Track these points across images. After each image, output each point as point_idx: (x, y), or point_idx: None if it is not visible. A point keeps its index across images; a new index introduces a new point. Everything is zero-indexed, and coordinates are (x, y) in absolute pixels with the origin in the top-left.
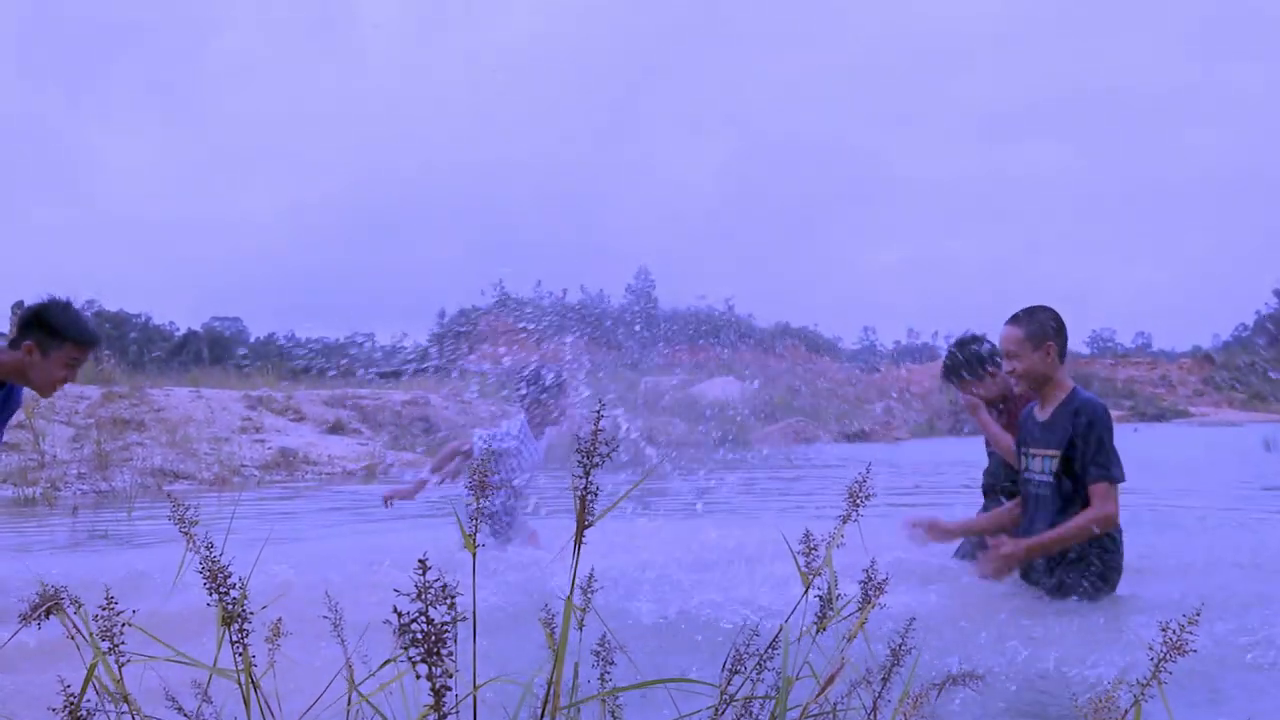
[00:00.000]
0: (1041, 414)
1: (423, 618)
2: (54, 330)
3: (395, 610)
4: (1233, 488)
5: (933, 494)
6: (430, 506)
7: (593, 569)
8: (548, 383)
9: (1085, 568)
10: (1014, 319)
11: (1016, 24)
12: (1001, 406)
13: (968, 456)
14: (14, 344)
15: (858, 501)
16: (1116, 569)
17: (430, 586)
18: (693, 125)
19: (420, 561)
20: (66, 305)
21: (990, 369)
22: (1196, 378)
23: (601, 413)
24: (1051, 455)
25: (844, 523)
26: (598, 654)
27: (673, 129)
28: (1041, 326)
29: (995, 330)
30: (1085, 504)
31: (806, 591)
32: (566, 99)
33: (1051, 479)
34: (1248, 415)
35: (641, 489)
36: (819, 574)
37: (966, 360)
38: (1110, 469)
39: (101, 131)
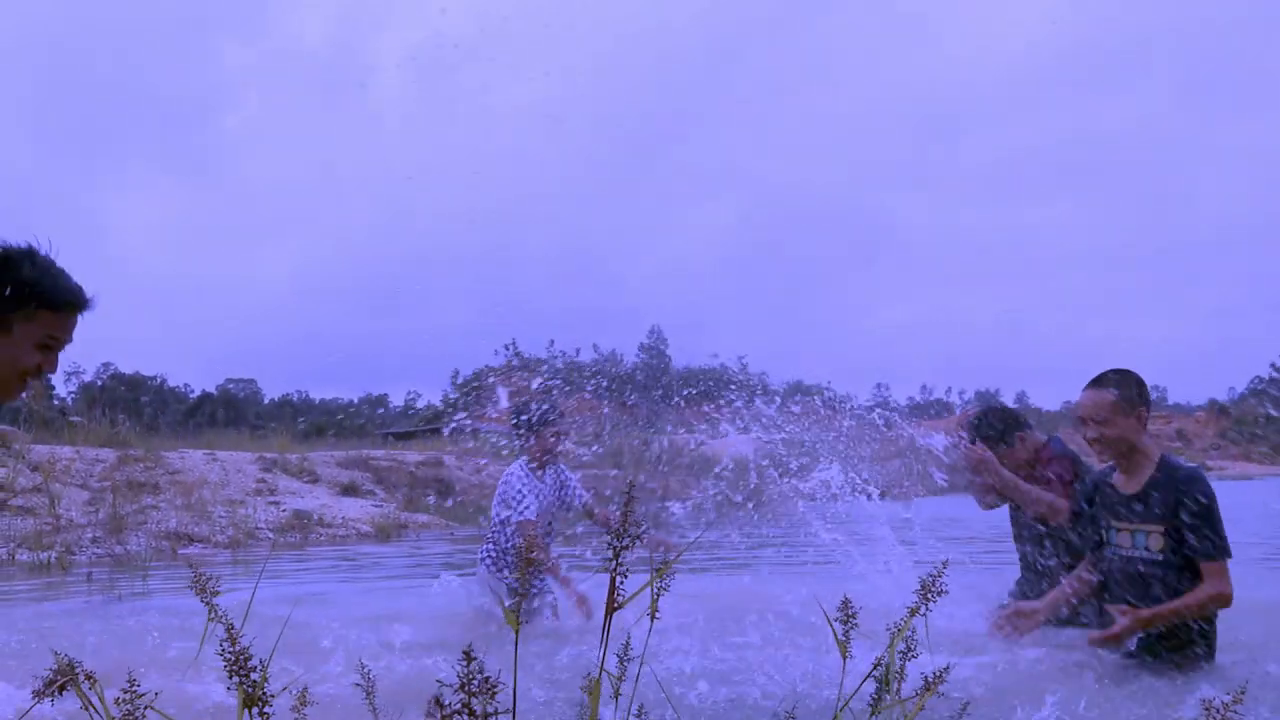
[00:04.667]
0: (1127, 484)
1: (466, 710)
2: (17, 291)
3: (438, 701)
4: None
5: (952, 550)
6: (442, 557)
7: (629, 637)
8: (535, 416)
9: (1188, 643)
10: (1100, 382)
11: (1025, 78)
12: (1027, 473)
13: (983, 515)
14: None
15: (929, 596)
16: (1212, 643)
17: (474, 677)
18: (704, 184)
19: (465, 653)
20: (31, 252)
21: (1020, 435)
22: (1212, 431)
23: (632, 493)
24: (1150, 531)
25: (911, 616)
26: None
27: (684, 188)
28: (1132, 391)
29: (1009, 384)
30: (1195, 580)
31: (845, 665)
32: (577, 159)
33: (1161, 556)
34: (1265, 469)
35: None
36: (879, 665)
37: (994, 433)
38: (1224, 546)
39: (116, 195)
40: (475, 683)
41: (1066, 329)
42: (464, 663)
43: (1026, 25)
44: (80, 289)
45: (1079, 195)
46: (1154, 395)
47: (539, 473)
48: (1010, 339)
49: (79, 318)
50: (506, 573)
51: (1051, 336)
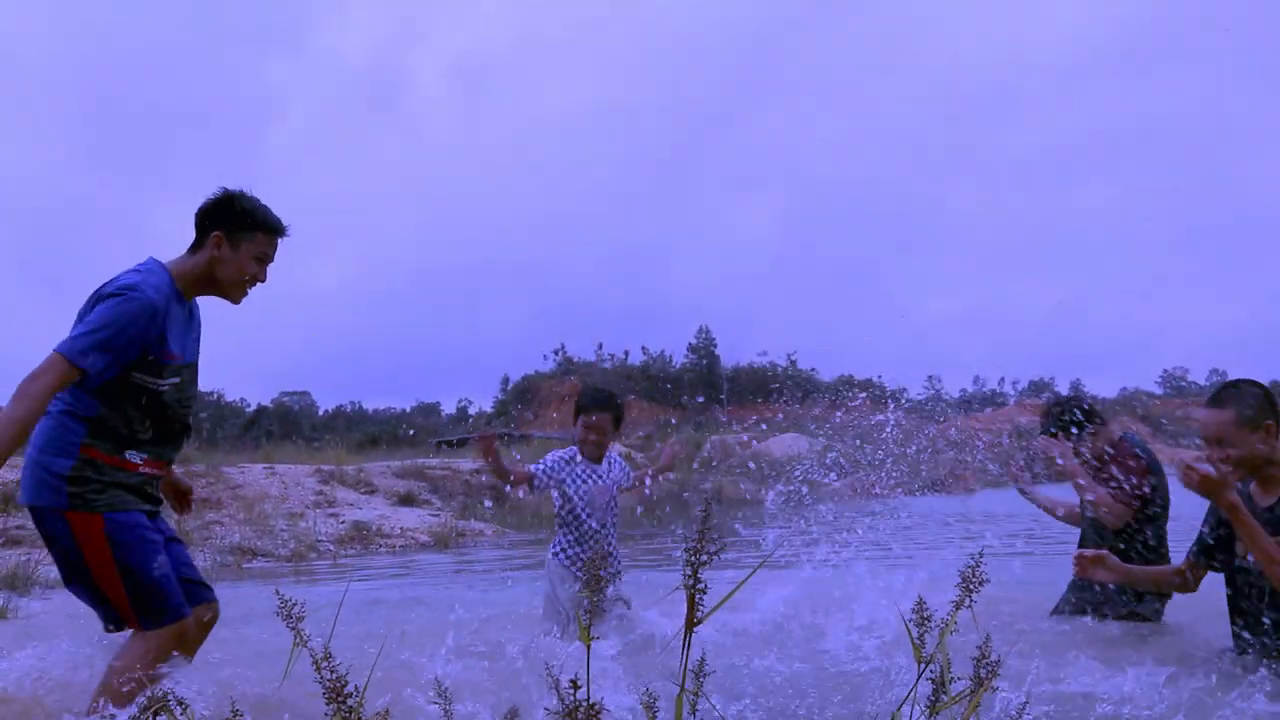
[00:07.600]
0: (1264, 498)
1: None
2: (242, 217)
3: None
4: None
5: (1006, 542)
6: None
7: (704, 653)
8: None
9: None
10: (1218, 400)
11: (1073, 61)
12: (1098, 464)
13: (1035, 509)
14: (196, 246)
15: (971, 587)
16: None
17: (580, 706)
18: (748, 180)
19: (572, 682)
20: (250, 195)
21: (1092, 430)
22: None
23: (710, 510)
24: None
25: (957, 609)
26: None
27: (728, 185)
28: (1255, 405)
29: (1064, 373)
30: None
31: (920, 675)
32: (621, 162)
33: None
34: None
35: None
36: (934, 660)
37: (1069, 423)
38: None
39: (166, 212)
40: (581, 711)
41: (1122, 314)
42: (571, 690)
43: (1074, 7)
44: (281, 219)
45: (1131, 178)
46: (1214, 380)
47: (591, 454)
48: (1064, 326)
49: (279, 241)
50: (573, 567)
51: (1107, 323)
